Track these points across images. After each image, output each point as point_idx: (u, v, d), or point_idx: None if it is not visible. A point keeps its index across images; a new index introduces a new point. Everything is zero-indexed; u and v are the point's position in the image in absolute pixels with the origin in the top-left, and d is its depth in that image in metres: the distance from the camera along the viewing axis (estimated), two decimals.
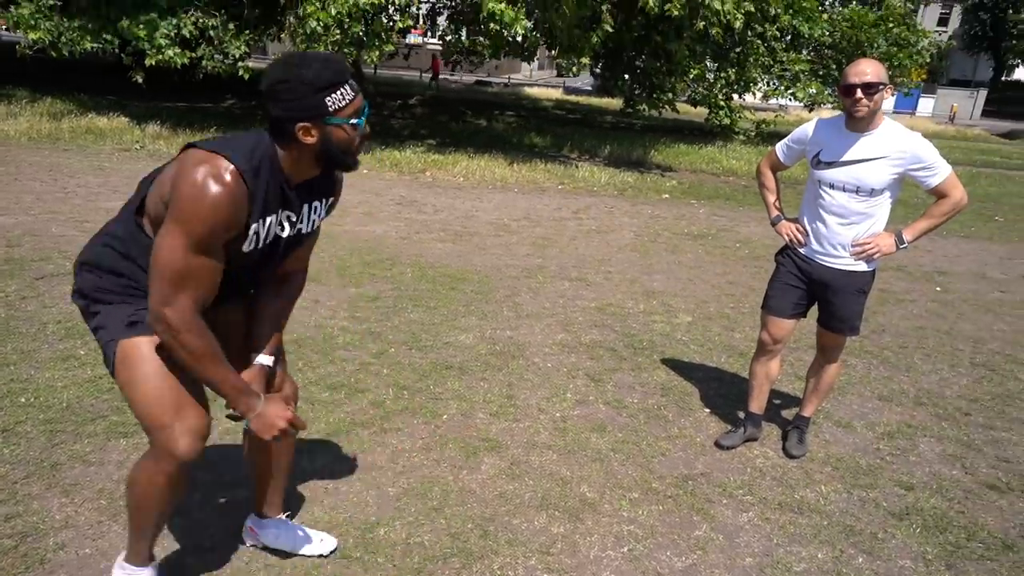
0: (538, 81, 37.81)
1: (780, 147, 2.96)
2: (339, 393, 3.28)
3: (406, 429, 3.02)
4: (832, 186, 2.70)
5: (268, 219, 1.65)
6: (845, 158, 2.66)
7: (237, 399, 1.65)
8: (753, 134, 15.91)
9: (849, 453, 3.14)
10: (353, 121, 1.61)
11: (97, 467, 2.55)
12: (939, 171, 2.61)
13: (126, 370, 1.65)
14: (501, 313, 4.53)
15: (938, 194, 2.66)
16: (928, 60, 18.12)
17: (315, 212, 1.80)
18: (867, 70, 2.52)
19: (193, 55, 10.34)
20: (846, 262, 2.78)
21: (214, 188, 1.48)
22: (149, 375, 1.64)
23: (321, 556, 2.18)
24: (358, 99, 1.62)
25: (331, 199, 1.86)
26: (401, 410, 3.18)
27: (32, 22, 9.64)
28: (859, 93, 2.52)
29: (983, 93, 34.08)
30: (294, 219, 1.73)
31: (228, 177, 1.50)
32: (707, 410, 3.45)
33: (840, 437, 3.28)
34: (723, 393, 3.65)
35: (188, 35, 10.04)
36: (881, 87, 2.53)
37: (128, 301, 1.69)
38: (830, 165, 2.69)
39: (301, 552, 2.17)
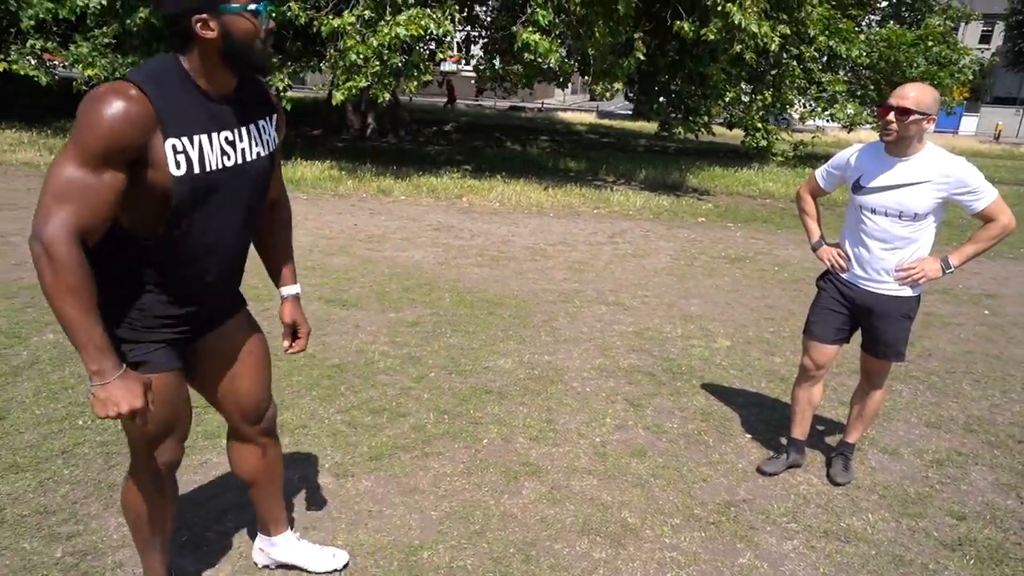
0: (571, 106, 38.09)
1: (820, 172, 2.95)
2: (381, 417, 3.34)
3: (447, 453, 3.06)
4: (874, 211, 2.68)
5: (196, 138, 1.52)
6: (886, 183, 2.64)
7: (92, 355, 1.44)
8: (791, 155, 15.77)
9: (897, 481, 3.07)
10: (252, 7, 1.51)
11: None
12: (984, 195, 2.56)
13: None
14: (539, 338, 4.56)
15: (984, 218, 2.61)
16: (971, 78, 17.78)
17: (264, 132, 1.72)
18: (909, 94, 2.48)
19: None
20: (890, 287, 2.74)
21: (106, 102, 1.39)
22: None
23: (336, 571, 2.23)
24: None
25: (274, 115, 1.76)
26: (442, 434, 3.22)
27: (90, 60, 10.11)
28: (890, 115, 2.50)
29: None
30: (233, 139, 1.62)
31: (123, 91, 1.41)
32: (748, 436, 3.42)
33: (887, 464, 3.22)
34: (764, 419, 3.61)
35: None
36: (917, 116, 2.47)
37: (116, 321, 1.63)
38: (871, 191, 2.67)
39: (313, 569, 2.22)
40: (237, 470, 2.10)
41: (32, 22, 10.17)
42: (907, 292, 2.75)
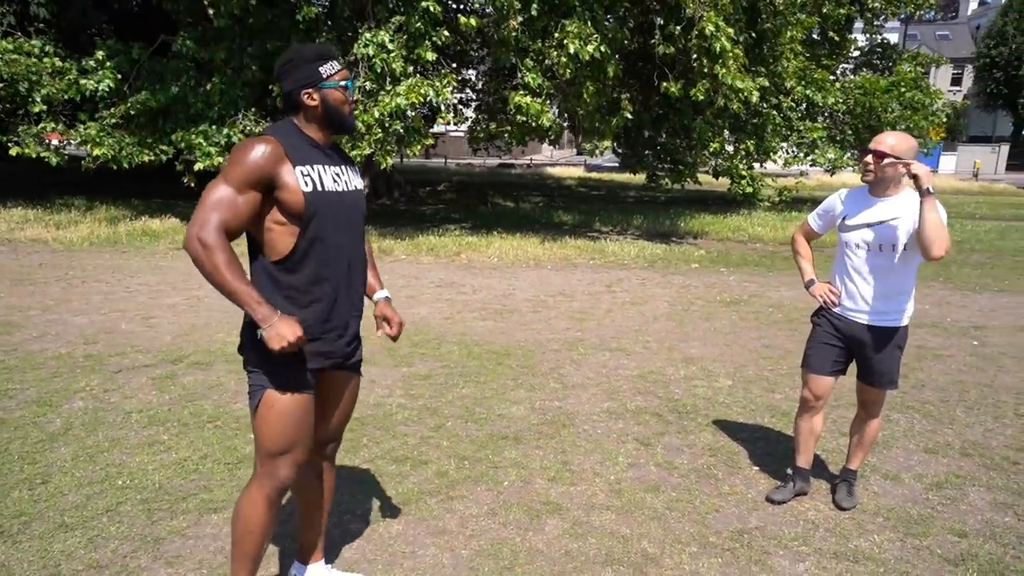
0: (559, 161, 38.95)
1: (812, 217, 3.24)
2: (404, 465, 3.49)
3: (471, 496, 3.21)
4: (857, 246, 2.96)
5: (316, 166, 2.04)
6: (866, 220, 2.93)
7: (255, 308, 1.89)
8: (777, 200, 16.22)
9: (900, 504, 3.23)
10: (343, 83, 2.08)
11: (195, 540, 2.77)
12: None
13: (265, 410, 2.07)
14: (548, 385, 4.74)
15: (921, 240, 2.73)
16: (945, 120, 18.45)
17: (355, 173, 2.23)
18: (887, 140, 2.81)
19: None
20: (879, 318, 2.97)
21: (249, 144, 1.95)
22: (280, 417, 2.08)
23: None
24: (344, 71, 2.11)
25: (352, 163, 2.27)
26: (464, 479, 3.37)
27: (98, 139, 10.49)
28: (868, 157, 2.84)
29: (1005, 148, 34.23)
30: (339, 172, 2.12)
31: (260, 138, 1.97)
32: (755, 468, 3.58)
33: (889, 489, 3.38)
34: (769, 451, 3.78)
35: (237, 141, 10.82)
36: (893, 159, 2.78)
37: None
38: (853, 227, 2.96)
39: None
40: (297, 492, 2.37)
41: (43, 105, 10.59)
42: (895, 322, 2.98)
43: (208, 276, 1.87)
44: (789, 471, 3.33)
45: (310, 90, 2.04)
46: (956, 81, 46.16)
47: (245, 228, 1.98)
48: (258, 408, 2.08)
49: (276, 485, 2.11)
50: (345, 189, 2.12)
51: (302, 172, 1.99)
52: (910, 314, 3.02)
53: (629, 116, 11.59)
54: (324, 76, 2.05)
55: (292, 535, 2.74)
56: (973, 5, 51.53)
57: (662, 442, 3.86)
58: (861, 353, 3.06)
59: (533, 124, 10.37)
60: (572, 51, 9.83)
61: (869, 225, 2.92)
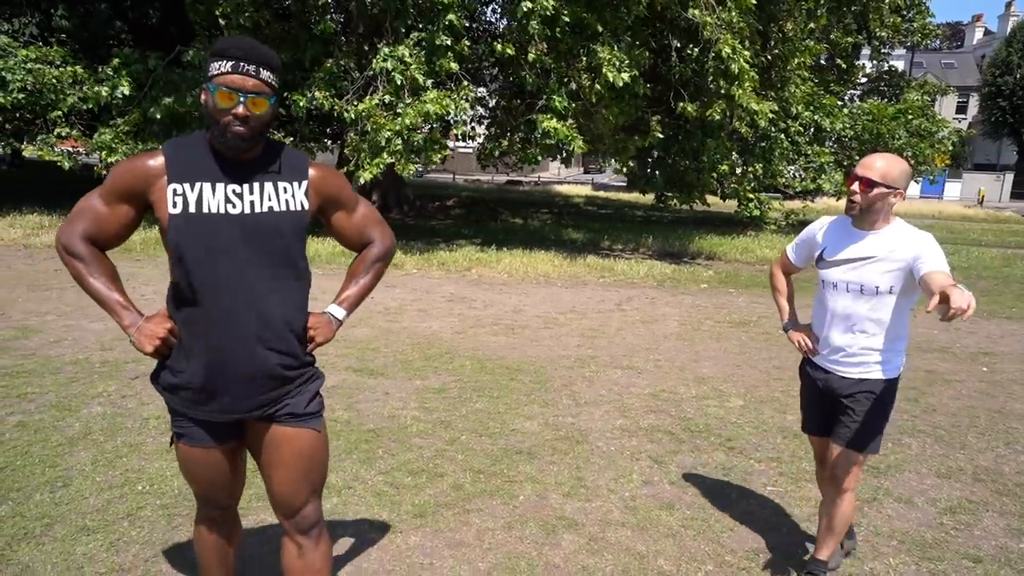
0: (567, 178, 39.17)
1: (790, 248, 2.81)
2: (420, 478, 3.52)
3: (487, 509, 3.23)
4: (835, 286, 2.53)
5: (199, 184, 1.76)
6: (848, 256, 2.49)
7: (120, 313, 1.82)
8: (784, 224, 16.31)
9: (914, 528, 3.24)
10: (223, 87, 1.69)
11: None
12: (936, 261, 2.28)
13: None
14: (560, 401, 4.76)
15: (928, 282, 2.23)
16: (950, 148, 18.56)
17: (283, 191, 1.85)
18: (875, 164, 2.36)
19: None
20: (859, 369, 2.52)
21: (132, 157, 1.82)
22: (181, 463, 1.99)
23: None
24: (234, 76, 1.70)
25: (303, 181, 1.89)
26: (480, 492, 3.40)
27: (112, 146, 10.63)
28: (855, 185, 2.38)
29: (1010, 176, 34.35)
30: (239, 193, 1.79)
31: (149, 151, 1.82)
32: (769, 488, 3.59)
33: (902, 512, 3.39)
34: (783, 472, 3.80)
35: None
36: (883, 189, 2.35)
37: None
38: (833, 263, 2.54)
39: None
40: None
41: (63, 113, 10.75)
42: (877, 375, 2.51)
43: (76, 280, 1.85)
44: (811, 499, 3.33)
45: (204, 89, 1.76)
46: (961, 109, 46.39)
47: (117, 240, 1.87)
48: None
49: (206, 519, 2.10)
50: (246, 211, 1.80)
51: (175, 191, 1.76)
52: (899, 365, 2.54)
53: (660, 136, 11.90)
54: (209, 75, 1.73)
55: None
56: (978, 35, 51.89)
57: (675, 460, 3.88)
58: (838, 407, 2.58)
59: (562, 148, 10.60)
60: (610, 79, 10.03)
61: (851, 262, 2.48)
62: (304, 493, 1.96)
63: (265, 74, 1.74)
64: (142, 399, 4.38)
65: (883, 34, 19.50)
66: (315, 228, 2.24)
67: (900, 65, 30.12)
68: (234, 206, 1.79)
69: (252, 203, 1.81)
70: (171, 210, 1.75)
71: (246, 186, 1.81)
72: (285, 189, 1.86)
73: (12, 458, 3.45)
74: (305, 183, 1.90)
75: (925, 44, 23.62)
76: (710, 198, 16.80)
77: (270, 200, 1.83)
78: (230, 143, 1.74)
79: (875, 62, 22.17)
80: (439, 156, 10.40)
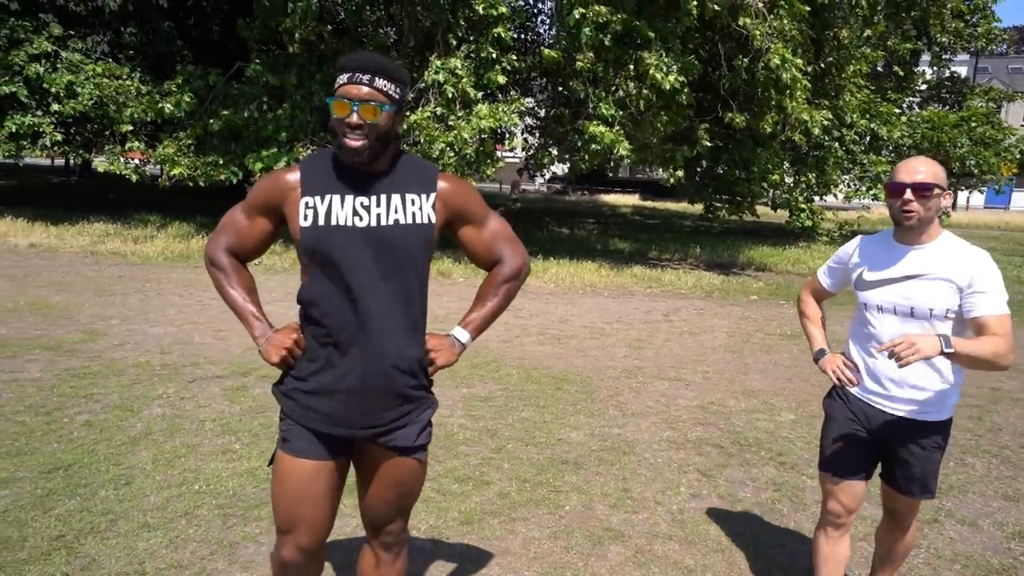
0: (614, 188, 38.97)
1: (822, 272, 2.57)
2: (467, 485, 3.54)
3: (532, 519, 3.23)
4: (880, 309, 2.26)
5: (328, 197, 1.79)
6: (892, 274, 2.24)
7: (251, 323, 1.88)
8: (837, 235, 15.90)
9: (979, 552, 3.12)
10: (342, 98, 1.71)
11: (268, 547, 2.87)
12: (991, 300, 2.09)
13: (274, 471, 1.91)
14: (607, 412, 4.74)
15: (977, 328, 2.10)
16: (1017, 156, 17.83)
17: (411, 204, 1.84)
18: (920, 168, 2.15)
19: None
20: (913, 410, 2.25)
21: (271, 172, 1.90)
22: (278, 483, 1.91)
23: None
24: (348, 87, 1.72)
25: (431, 193, 1.87)
26: (526, 501, 3.40)
27: (175, 159, 11.05)
28: (909, 194, 2.13)
29: None
30: (367, 205, 1.80)
31: (286, 167, 1.90)
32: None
33: (966, 535, 3.26)
34: None
35: None
36: (937, 190, 2.14)
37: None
38: (875, 284, 2.28)
39: None
40: (357, 566, 2.12)
41: (129, 125, 11.23)
42: (935, 416, 2.25)
43: (216, 290, 1.94)
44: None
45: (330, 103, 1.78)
46: None
47: (256, 253, 1.95)
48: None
49: (280, 561, 1.92)
50: (372, 224, 1.79)
51: (306, 204, 1.79)
52: (955, 402, 2.28)
53: (708, 144, 11.73)
54: (334, 89, 1.77)
55: None
56: None
57: (724, 474, 3.82)
58: (888, 449, 2.33)
59: (608, 154, 10.55)
60: (658, 79, 9.96)
61: (894, 281, 2.22)
62: (393, 513, 1.98)
63: (380, 83, 1.74)
64: (199, 402, 4.53)
65: (944, 40, 18.92)
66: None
67: (963, 71, 29.12)
68: (361, 219, 1.80)
69: (378, 216, 1.81)
70: (302, 223, 1.79)
71: (373, 198, 1.81)
72: (412, 202, 1.85)
73: (80, 455, 3.61)
74: (433, 195, 1.88)
75: (990, 49, 22.79)
76: (760, 208, 16.50)
77: (396, 213, 1.82)
78: (347, 153, 1.75)
79: (935, 68, 21.50)
80: (491, 170, 10.49)
